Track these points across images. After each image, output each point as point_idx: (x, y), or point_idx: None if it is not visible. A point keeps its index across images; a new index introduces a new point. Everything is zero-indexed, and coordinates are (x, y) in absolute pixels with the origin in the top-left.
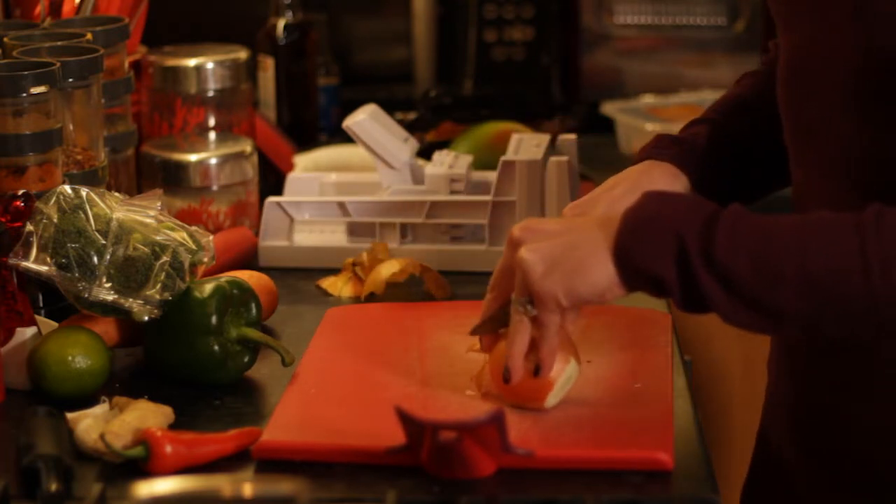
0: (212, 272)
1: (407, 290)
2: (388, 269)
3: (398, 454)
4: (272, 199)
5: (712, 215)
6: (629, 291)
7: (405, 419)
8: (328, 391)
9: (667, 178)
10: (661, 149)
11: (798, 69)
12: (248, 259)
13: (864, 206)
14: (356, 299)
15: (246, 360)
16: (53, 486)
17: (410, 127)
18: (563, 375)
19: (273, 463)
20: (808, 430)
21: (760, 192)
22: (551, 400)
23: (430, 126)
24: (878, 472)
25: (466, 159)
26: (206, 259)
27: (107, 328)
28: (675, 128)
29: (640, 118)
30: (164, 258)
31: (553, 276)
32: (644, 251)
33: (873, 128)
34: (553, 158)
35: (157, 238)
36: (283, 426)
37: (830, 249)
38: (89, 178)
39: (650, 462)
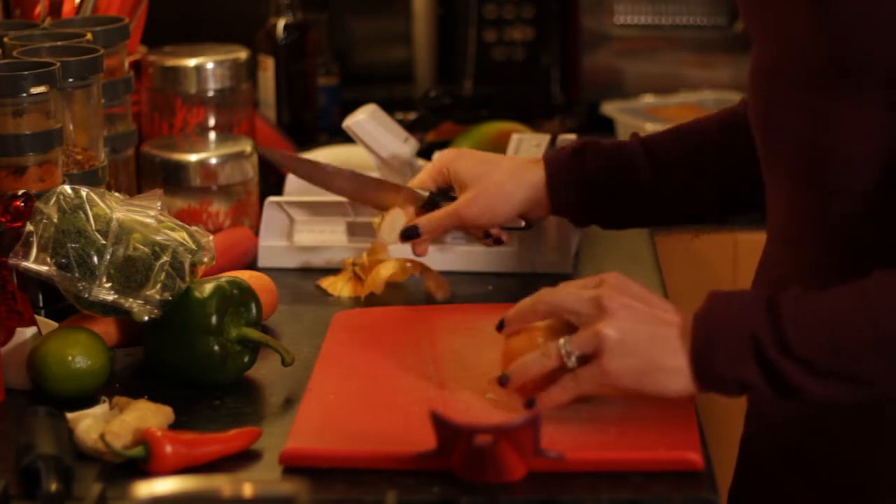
0: (212, 272)
1: (407, 290)
2: (387, 269)
3: (428, 459)
4: (272, 199)
5: (772, 303)
6: (701, 393)
7: (439, 423)
8: (347, 397)
9: (525, 170)
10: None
11: (765, 72)
12: (248, 259)
13: (830, 205)
14: (356, 299)
15: (246, 360)
16: (53, 486)
17: (410, 127)
18: None
19: (273, 463)
20: (788, 437)
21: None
22: None
23: (430, 126)
24: (858, 478)
25: None
26: (206, 259)
27: (107, 328)
28: None
29: (640, 118)
30: (164, 258)
31: (627, 361)
32: (723, 358)
33: (834, 126)
34: None
35: (157, 238)
36: (307, 433)
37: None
38: (89, 178)
39: (681, 463)
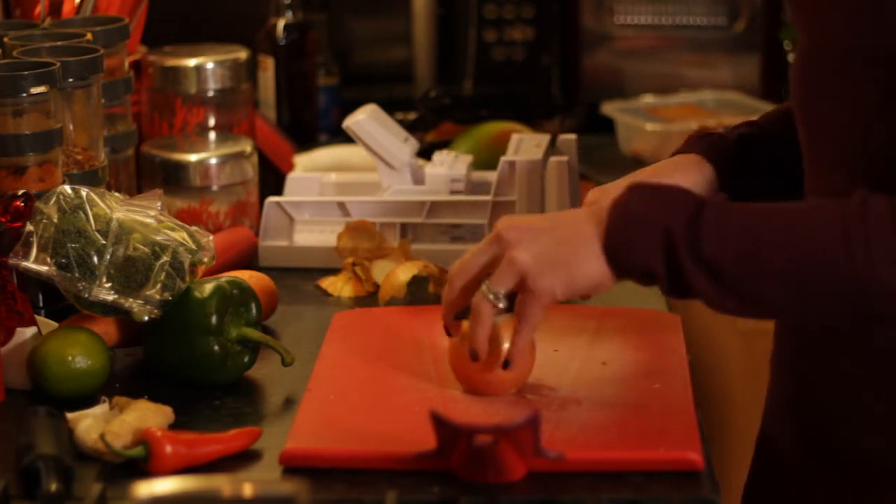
0: (212, 272)
1: (407, 290)
2: (406, 273)
3: (428, 459)
4: (272, 199)
5: (697, 208)
6: (619, 280)
7: (439, 423)
8: (347, 398)
9: (690, 169)
10: (691, 143)
11: (812, 62)
12: (248, 259)
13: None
14: (357, 299)
15: (246, 360)
16: (53, 486)
17: (410, 127)
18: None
19: (273, 463)
20: (809, 426)
21: (789, 194)
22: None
23: (430, 126)
24: (879, 466)
25: (466, 159)
26: (206, 259)
27: (107, 328)
28: (674, 128)
29: (640, 118)
30: (164, 258)
31: (550, 273)
32: (634, 246)
33: (882, 120)
34: (553, 158)
35: (157, 238)
36: (307, 433)
37: (815, 237)
38: (89, 178)
39: (681, 463)
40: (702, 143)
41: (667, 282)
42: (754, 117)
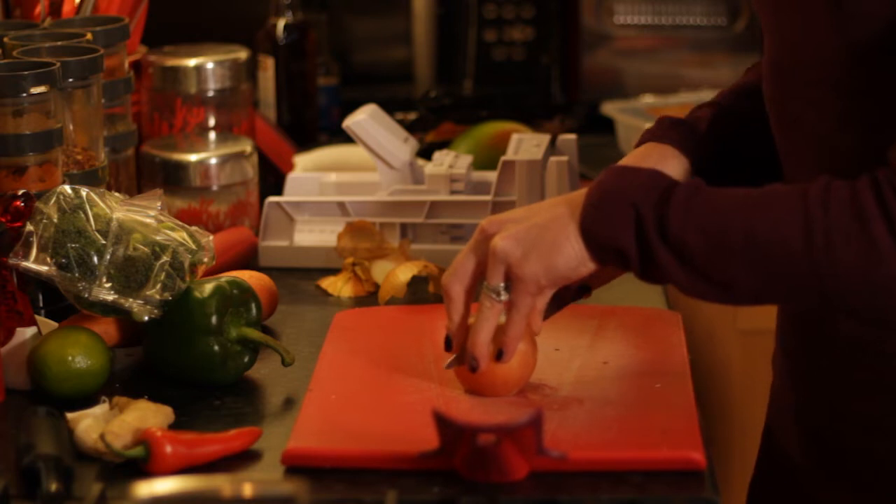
0: (212, 272)
1: (408, 289)
2: (406, 274)
3: (431, 458)
4: (272, 199)
5: (668, 188)
6: (600, 265)
7: (442, 423)
8: (349, 397)
9: (665, 161)
10: (661, 131)
11: (780, 66)
12: (248, 259)
13: None
14: (356, 299)
15: (246, 360)
16: (53, 486)
17: (410, 127)
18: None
19: (274, 463)
20: (812, 427)
21: (762, 177)
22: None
23: (430, 126)
24: (882, 467)
25: (466, 159)
26: (206, 259)
27: (107, 328)
28: None
29: (640, 118)
30: (164, 258)
31: (531, 257)
32: (606, 225)
33: (852, 123)
34: (553, 158)
35: (157, 238)
36: (309, 433)
37: (777, 221)
38: (89, 178)
39: (684, 462)
40: (675, 133)
41: (639, 262)
42: None
